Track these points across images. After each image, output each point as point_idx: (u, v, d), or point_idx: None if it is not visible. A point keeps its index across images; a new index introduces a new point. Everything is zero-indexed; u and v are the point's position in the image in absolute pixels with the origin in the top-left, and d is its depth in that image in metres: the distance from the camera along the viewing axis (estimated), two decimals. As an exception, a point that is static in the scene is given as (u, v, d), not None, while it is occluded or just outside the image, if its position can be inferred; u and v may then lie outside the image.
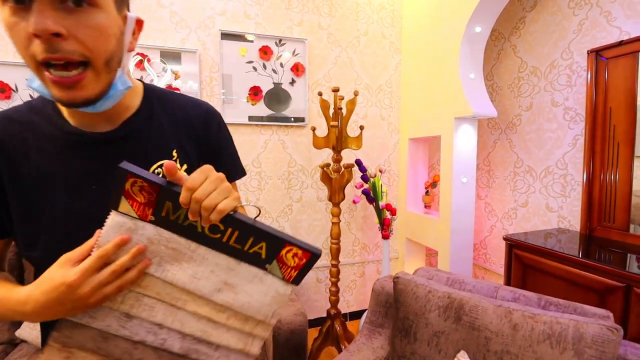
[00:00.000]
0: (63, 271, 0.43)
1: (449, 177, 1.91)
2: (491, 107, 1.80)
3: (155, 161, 0.56)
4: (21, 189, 0.50)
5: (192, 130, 0.62)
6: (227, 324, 0.51)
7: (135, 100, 0.58)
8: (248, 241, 0.48)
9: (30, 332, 1.41)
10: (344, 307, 2.42)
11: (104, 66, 0.46)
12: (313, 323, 2.28)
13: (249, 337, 0.53)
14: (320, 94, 1.83)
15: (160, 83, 1.95)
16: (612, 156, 1.51)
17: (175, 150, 0.59)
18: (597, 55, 1.54)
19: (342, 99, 1.80)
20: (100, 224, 0.46)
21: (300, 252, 0.50)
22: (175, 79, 1.98)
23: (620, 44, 1.46)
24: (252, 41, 2.05)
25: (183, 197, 0.44)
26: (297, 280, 0.51)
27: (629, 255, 1.31)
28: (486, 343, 0.88)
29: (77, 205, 0.51)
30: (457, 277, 1.15)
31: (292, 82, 2.13)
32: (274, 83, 2.11)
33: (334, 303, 1.94)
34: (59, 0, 0.41)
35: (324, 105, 1.80)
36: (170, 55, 1.94)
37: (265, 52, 2.07)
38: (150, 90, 0.61)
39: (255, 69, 2.07)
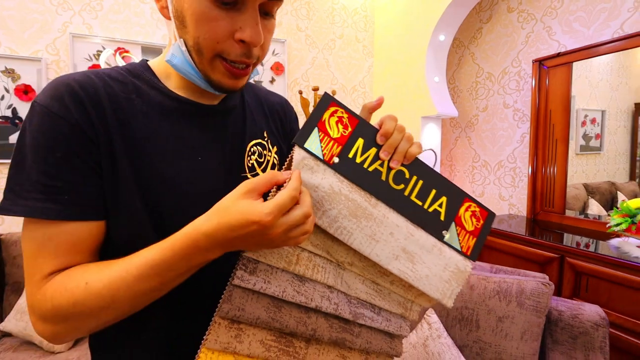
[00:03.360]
0: (252, 206, 0.36)
1: (417, 170, 2.11)
2: (453, 108, 2.02)
3: (249, 137, 0.57)
4: (132, 154, 0.45)
5: (275, 115, 0.64)
6: (390, 288, 0.48)
7: None
8: (430, 194, 0.45)
9: (16, 324, 1.41)
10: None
11: (258, 62, 0.50)
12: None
13: (409, 302, 0.49)
14: (300, 92, 1.96)
15: (143, 77, 1.98)
16: (551, 152, 1.77)
17: (265, 132, 0.60)
18: (540, 64, 1.80)
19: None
20: (208, 201, 0.41)
21: (478, 210, 0.47)
22: (157, 74, 2.02)
23: (558, 55, 1.72)
24: None
25: (384, 130, 0.44)
26: (475, 253, 0.47)
27: (564, 233, 1.57)
28: (449, 302, 1.06)
29: (184, 183, 0.48)
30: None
31: (272, 81, 2.24)
32: (254, 81, 2.21)
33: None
34: (263, 12, 0.45)
35: (304, 103, 1.93)
36: (152, 51, 1.98)
37: (246, 50, 2.16)
38: None
39: (236, 66, 2.16)
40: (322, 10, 2.39)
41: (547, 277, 1.10)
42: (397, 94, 2.31)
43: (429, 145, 2.10)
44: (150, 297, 0.41)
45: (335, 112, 0.42)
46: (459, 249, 0.46)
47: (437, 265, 0.45)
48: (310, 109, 1.94)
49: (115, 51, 1.90)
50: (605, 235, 1.43)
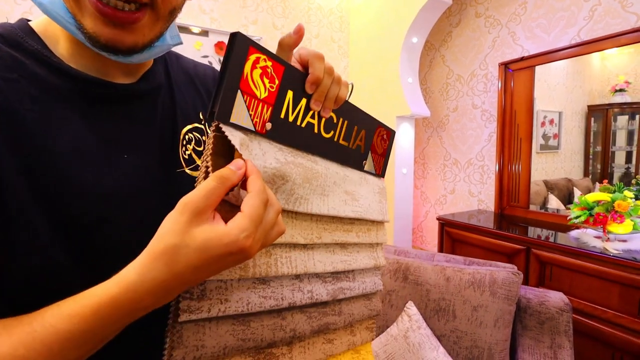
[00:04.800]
0: (216, 232, 0.27)
1: (392, 169, 2.16)
2: (426, 108, 2.09)
3: (183, 123, 0.46)
4: (26, 160, 0.32)
5: (205, 89, 0.53)
6: (358, 242, 0.47)
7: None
8: (353, 132, 0.45)
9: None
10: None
11: (167, 14, 0.36)
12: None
13: (374, 248, 0.51)
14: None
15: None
16: (516, 150, 1.88)
17: (201, 113, 0.49)
18: (506, 67, 1.90)
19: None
20: (142, 203, 0.35)
21: (385, 132, 0.51)
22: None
23: (522, 59, 1.83)
24: (196, 33, 2.07)
25: (315, 77, 0.36)
26: (384, 170, 0.53)
27: (529, 227, 1.67)
28: (427, 294, 1.10)
29: (106, 184, 0.35)
30: (402, 249, 1.38)
31: (248, 79, 2.22)
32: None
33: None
34: None
35: (282, 102, 1.93)
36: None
37: (221, 47, 2.13)
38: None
39: (210, 63, 2.11)
40: (298, 9, 2.39)
41: (515, 267, 1.17)
42: (372, 94, 2.36)
43: (403, 144, 2.16)
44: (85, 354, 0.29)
45: (257, 60, 0.31)
46: (373, 172, 0.51)
47: (369, 192, 0.49)
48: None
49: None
50: (565, 227, 1.54)
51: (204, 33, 2.08)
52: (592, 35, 1.60)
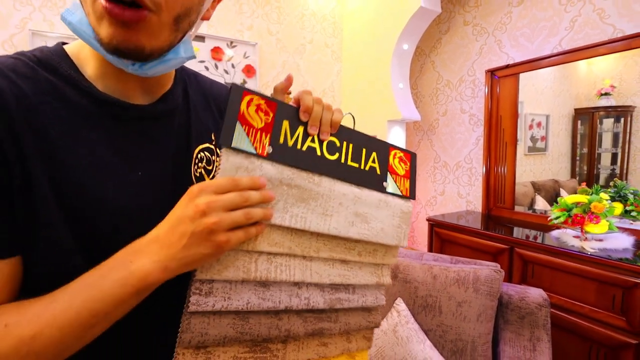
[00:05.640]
0: (191, 203, 0.35)
1: (384, 171, 2.23)
2: (416, 112, 2.16)
3: (196, 142, 0.50)
4: (52, 172, 0.36)
5: (219, 108, 0.57)
6: (360, 261, 0.49)
7: (170, 75, 0.50)
8: (362, 154, 0.48)
9: None
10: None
11: (172, 21, 0.38)
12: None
13: (380, 267, 0.51)
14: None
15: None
16: (502, 153, 1.96)
17: (212, 134, 0.53)
18: (492, 74, 1.98)
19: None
20: (152, 216, 0.38)
21: (402, 154, 0.51)
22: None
23: (507, 66, 1.91)
24: (193, 39, 2.12)
25: (305, 106, 0.42)
26: (412, 192, 0.52)
27: (514, 227, 1.74)
28: (415, 291, 1.16)
29: (122, 198, 0.40)
30: (393, 248, 1.45)
31: (244, 83, 2.27)
32: (225, 83, 2.22)
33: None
34: None
35: (276, 106, 1.98)
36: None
37: (217, 52, 2.17)
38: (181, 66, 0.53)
39: (207, 68, 2.16)
40: (292, 15, 2.45)
41: (498, 265, 1.24)
42: (364, 98, 2.43)
43: (395, 147, 2.23)
44: (86, 336, 0.34)
45: (251, 100, 0.40)
46: (400, 193, 0.51)
47: (387, 216, 0.49)
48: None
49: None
50: (548, 227, 1.62)
51: (201, 38, 2.12)
52: (572, 44, 1.68)
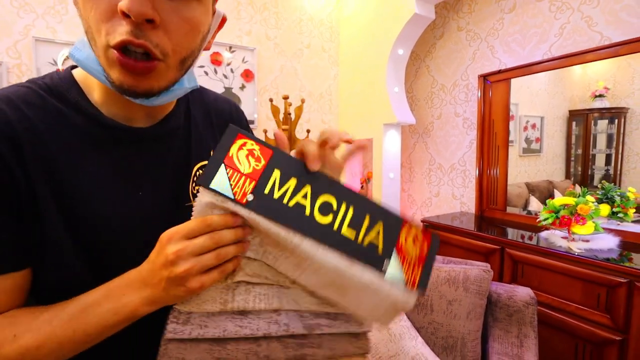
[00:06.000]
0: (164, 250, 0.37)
1: (379, 173, 2.28)
2: (411, 116, 2.21)
3: (195, 160, 0.52)
4: (59, 195, 0.40)
5: (222, 124, 0.58)
6: (336, 311, 0.45)
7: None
8: (364, 223, 0.39)
9: None
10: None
11: (177, 64, 0.41)
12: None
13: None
14: (271, 100, 2.05)
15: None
16: (495, 156, 2.01)
17: (212, 151, 0.51)
18: (485, 79, 2.04)
19: (291, 104, 2.05)
20: (150, 232, 0.40)
21: (419, 232, 0.41)
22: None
23: (499, 72, 1.96)
24: None
25: (311, 156, 0.39)
26: (423, 283, 0.39)
27: (506, 228, 1.79)
28: (408, 290, 1.21)
29: (122, 216, 0.44)
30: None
31: (242, 87, 2.32)
32: (224, 87, 2.26)
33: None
34: None
35: (275, 111, 2.03)
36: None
37: (216, 57, 2.22)
38: None
39: (206, 73, 2.20)
40: (290, 20, 2.50)
41: (488, 265, 1.29)
42: (360, 101, 2.47)
43: (390, 150, 2.28)
44: (81, 349, 0.40)
45: (244, 144, 0.38)
46: (402, 281, 0.39)
47: (369, 303, 0.40)
48: (280, 115, 2.04)
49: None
50: (538, 228, 1.67)
51: (200, 44, 2.17)
52: (562, 51, 1.74)
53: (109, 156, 0.44)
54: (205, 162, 0.52)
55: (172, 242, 0.36)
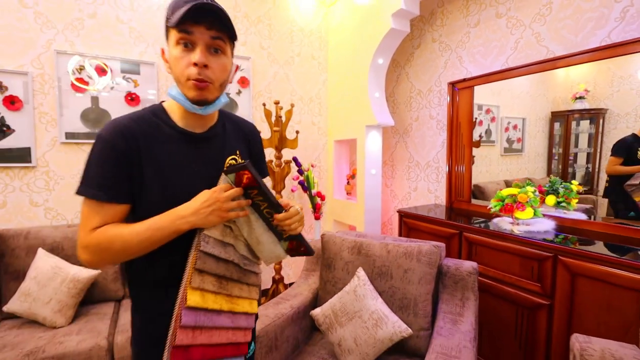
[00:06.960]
0: (215, 193, 0.72)
1: (362, 170, 2.54)
2: (390, 118, 2.47)
3: (227, 154, 0.84)
4: (154, 166, 0.73)
5: (245, 138, 0.92)
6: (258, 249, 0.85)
7: (215, 115, 0.86)
8: (287, 236, 0.83)
9: (21, 305, 1.63)
10: (285, 279, 2.93)
11: (218, 86, 0.75)
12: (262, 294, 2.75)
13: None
14: (264, 104, 2.32)
15: (121, 90, 2.23)
16: (461, 155, 2.28)
17: (238, 150, 0.88)
18: (453, 85, 2.30)
19: (282, 108, 2.31)
20: (200, 189, 0.73)
21: (304, 249, 0.85)
22: (135, 86, 2.28)
23: (464, 80, 2.23)
24: None
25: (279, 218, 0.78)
26: (292, 255, 0.86)
27: (470, 217, 2.06)
28: (374, 263, 1.48)
29: (184, 178, 0.76)
30: (362, 233, 1.76)
31: (239, 92, 2.58)
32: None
33: (278, 271, 2.45)
34: (209, 49, 0.72)
35: (267, 114, 2.29)
36: (130, 63, 2.23)
37: (215, 66, 2.47)
38: (221, 109, 0.90)
39: (207, 80, 2.46)
40: (282, 31, 2.76)
41: (442, 244, 1.56)
42: (346, 105, 2.74)
43: (372, 148, 2.54)
44: (149, 246, 0.69)
45: (245, 172, 0.73)
46: (286, 249, 0.85)
47: (270, 249, 0.83)
48: (272, 118, 2.29)
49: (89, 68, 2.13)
50: (494, 216, 1.94)
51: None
52: (516, 62, 2.00)
53: (179, 148, 0.77)
54: (233, 156, 0.86)
55: (217, 192, 0.72)
